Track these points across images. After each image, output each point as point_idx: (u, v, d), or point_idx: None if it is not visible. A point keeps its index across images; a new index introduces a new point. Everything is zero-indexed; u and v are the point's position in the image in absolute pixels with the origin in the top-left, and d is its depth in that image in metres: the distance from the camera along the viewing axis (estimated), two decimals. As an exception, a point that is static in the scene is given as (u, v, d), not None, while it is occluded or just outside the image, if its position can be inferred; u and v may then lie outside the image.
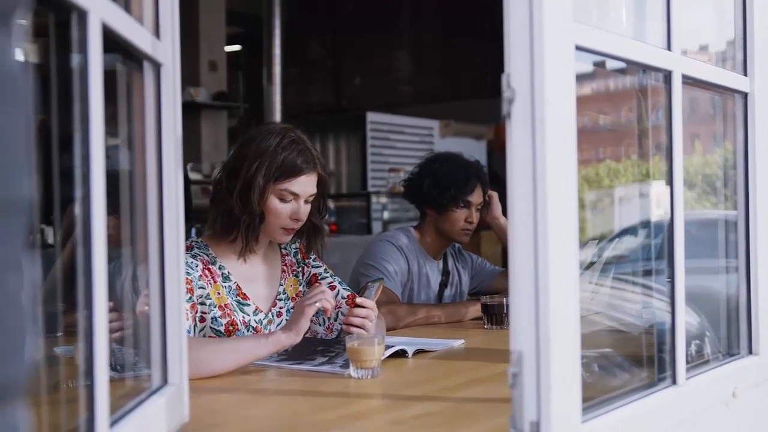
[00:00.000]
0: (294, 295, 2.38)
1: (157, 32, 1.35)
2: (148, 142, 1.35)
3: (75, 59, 1.00)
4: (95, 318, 1.00)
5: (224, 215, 2.21)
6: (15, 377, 0.59)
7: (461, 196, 2.99)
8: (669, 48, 1.53)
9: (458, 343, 2.37)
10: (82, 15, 0.99)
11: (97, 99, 1.01)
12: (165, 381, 1.37)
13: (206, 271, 2.19)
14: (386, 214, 7.65)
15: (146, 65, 1.33)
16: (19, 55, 0.62)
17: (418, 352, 2.19)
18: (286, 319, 2.30)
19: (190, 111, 7.33)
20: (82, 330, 1.00)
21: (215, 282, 2.20)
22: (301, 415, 1.62)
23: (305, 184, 2.22)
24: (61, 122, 1.01)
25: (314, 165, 2.23)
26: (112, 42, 1.10)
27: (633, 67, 1.62)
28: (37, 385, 1.01)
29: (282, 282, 2.36)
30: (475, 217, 3.03)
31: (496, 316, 2.65)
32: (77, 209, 0.99)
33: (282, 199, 2.20)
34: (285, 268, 2.39)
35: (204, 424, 1.50)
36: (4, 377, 0.58)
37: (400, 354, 2.13)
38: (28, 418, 0.64)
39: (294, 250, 2.43)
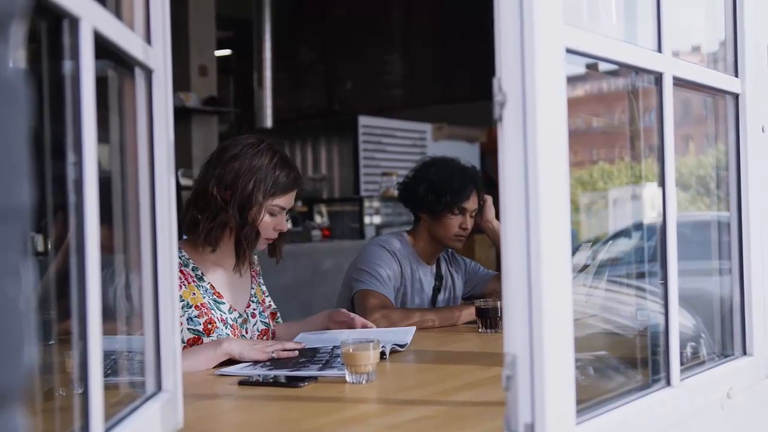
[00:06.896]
0: (260, 301, 2.49)
1: (148, 38, 1.35)
2: (140, 148, 1.35)
3: (66, 65, 1.00)
4: (89, 325, 1.00)
5: (218, 228, 2.28)
6: (14, 382, 0.60)
7: (457, 203, 2.98)
8: (659, 50, 1.53)
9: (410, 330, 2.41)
10: (74, 22, 0.98)
11: (89, 105, 1.01)
12: (159, 387, 1.36)
13: (179, 274, 2.23)
14: (379, 219, 7.64)
15: (137, 71, 1.33)
16: (17, 62, 0.62)
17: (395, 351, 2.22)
18: (260, 321, 2.44)
19: (181, 116, 7.30)
20: (75, 337, 0.99)
21: (189, 283, 2.28)
22: (297, 421, 1.62)
23: (292, 199, 2.37)
24: (53, 129, 1.01)
25: (301, 181, 2.39)
26: (103, 48, 1.10)
27: (624, 69, 1.62)
28: (31, 392, 1.01)
29: (252, 286, 2.48)
30: (470, 223, 3.02)
31: (490, 319, 2.65)
32: (71, 216, 0.99)
33: (271, 214, 2.32)
34: (254, 274, 2.51)
35: (198, 431, 1.50)
36: (4, 382, 0.59)
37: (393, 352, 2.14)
38: (27, 424, 0.64)
39: (256, 260, 2.56)
